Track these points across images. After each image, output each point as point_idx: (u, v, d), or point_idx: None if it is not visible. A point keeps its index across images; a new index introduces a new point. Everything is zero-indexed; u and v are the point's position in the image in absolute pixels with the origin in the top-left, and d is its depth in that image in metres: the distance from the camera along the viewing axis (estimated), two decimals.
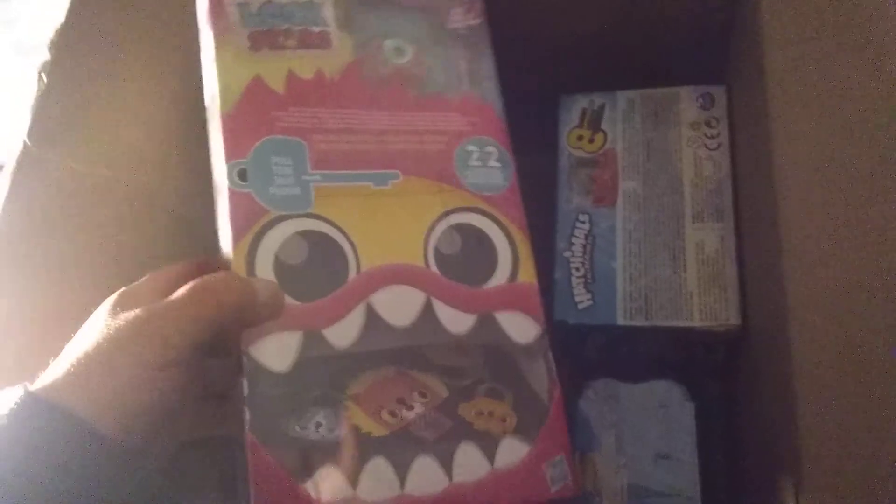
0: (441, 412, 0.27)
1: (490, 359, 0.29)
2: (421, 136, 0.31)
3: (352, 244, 0.28)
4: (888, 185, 0.27)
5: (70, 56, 0.37)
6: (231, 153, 0.28)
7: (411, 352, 0.28)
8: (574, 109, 0.40)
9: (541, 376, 0.29)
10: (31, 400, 0.21)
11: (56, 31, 0.38)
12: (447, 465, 0.27)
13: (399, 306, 0.28)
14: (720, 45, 0.39)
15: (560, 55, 0.41)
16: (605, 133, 0.39)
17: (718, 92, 0.38)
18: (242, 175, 0.28)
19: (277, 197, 0.28)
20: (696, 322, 0.34)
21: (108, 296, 0.26)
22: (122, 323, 0.23)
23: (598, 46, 0.40)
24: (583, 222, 0.37)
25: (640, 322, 0.35)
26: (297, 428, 0.26)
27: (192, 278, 0.25)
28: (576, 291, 0.36)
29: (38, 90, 0.36)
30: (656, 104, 0.39)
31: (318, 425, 0.26)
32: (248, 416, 0.25)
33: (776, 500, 0.29)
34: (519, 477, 0.27)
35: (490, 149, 0.32)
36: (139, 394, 0.22)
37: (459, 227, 0.30)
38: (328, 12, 0.31)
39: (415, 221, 0.30)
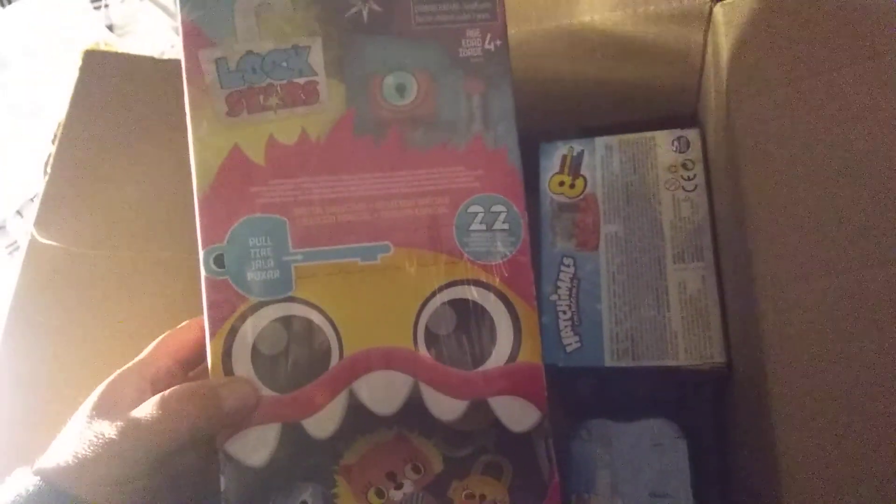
0: (431, 493, 0.27)
1: (502, 438, 0.27)
2: (417, 199, 0.28)
3: (335, 328, 0.27)
4: (853, 227, 0.28)
5: (71, 149, 0.41)
6: (207, 238, 0.27)
7: (428, 419, 0.27)
8: (554, 156, 0.41)
9: (537, 465, 0.28)
10: (46, 487, 0.23)
11: (59, 125, 0.40)
12: None
13: (384, 393, 0.27)
14: (693, 90, 0.40)
15: (540, 104, 0.42)
16: (585, 178, 0.40)
17: (693, 135, 0.39)
18: (219, 261, 0.27)
19: (256, 282, 0.27)
20: (682, 361, 0.35)
21: (109, 368, 0.28)
22: (94, 438, 0.24)
23: (576, 96, 0.42)
24: (567, 266, 0.38)
25: (627, 363, 0.36)
26: None
27: (172, 373, 0.27)
28: (563, 335, 0.37)
29: (44, 183, 0.39)
30: (633, 149, 0.40)
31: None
32: None
33: None
34: None
35: (498, 208, 0.29)
36: (108, 500, 0.24)
37: (455, 303, 0.28)
38: (316, 58, 0.28)
39: (405, 299, 0.27)
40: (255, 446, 0.26)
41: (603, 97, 0.42)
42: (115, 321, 0.37)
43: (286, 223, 0.27)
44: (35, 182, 0.65)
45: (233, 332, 0.27)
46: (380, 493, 0.27)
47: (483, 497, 0.27)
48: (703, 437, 0.41)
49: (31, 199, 0.63)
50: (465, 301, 0.28)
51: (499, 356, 0.28)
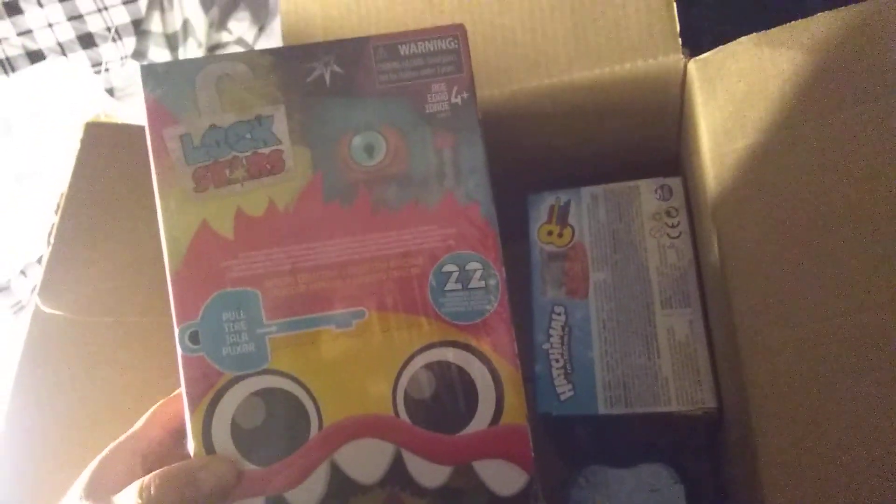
0: None
1: (486, 492, 0.27)
2: (390, 261, 0.28)
3: (313, 398, 0.27)
4: (831, 273, 0.29)
5: (73, 219, 0.42)
6: (181, 316, 0.27)
7: (412, 486, 0.27)
8: (542, 207, 0.42)
9: None
10: None
11: (62, 196, 0.42)
12: None
13: (366, 461, 0.27)
14: (673, 140, 0.42)
15: (526, 157, 0.43)
16: (572, 227, 0.41)
17: (675, 183, 0.40)
18: (194, 338, 0.27)
19: (231, 357, 0.27)
20: (674, 407, 0.35)
21: (113, 436, 0.28)
22: None
23: (561, 148, 0.43)
24: (559, 314, 0.39)
25: (620, 410, 0.36)
26: None
27: (164, 445, 0.27)
28: (557, 383, 0.38)
29: (47, 252, 0.40)
30: (618, 197, 0.41)
31: None
32: None
33: None
34: None
35: (473, 265, 0.28)
36: None
37: (434, 366, 0.28)
38: (280, 126, 0.28)
39: (382, 365, 0.28)
40: None
41: (588, 149, 0.43)
42: (120, 388, 0.38)
43: (258, 295, 0.28)
44: (38, 242, 0.66)
45: (211, 407, 0.27)
46: None
47: None
48: (699, 480, 0.41)
49: (37, 261, 0.65)
50: (444, 364, 0.28)
51: (482, 419, 0.28)
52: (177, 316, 0.28)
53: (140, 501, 0.25)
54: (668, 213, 0.40)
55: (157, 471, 0.26)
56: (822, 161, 0.30)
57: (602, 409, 0.36)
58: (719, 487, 0.41)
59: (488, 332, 0.28)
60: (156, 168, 0.28)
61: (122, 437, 0.28)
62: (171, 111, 0.28)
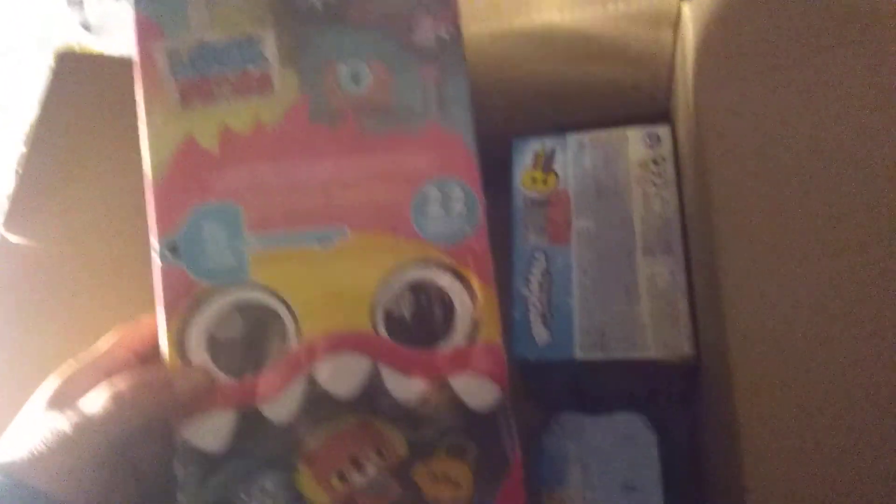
0: (394, 475, 0.27)
1: (464, 418, 0.28)
2: (373, 182, 0.28)
3: (292, 312, 0.27)
4: (819, 217, 0.28)
5: (42, 150, 0.41)
6: (162, 227, 0.27)
7: (379, 399, 0.27)
8: (527, 152, 0.41)
9: (500, 442, 0.28)
10: (4, 480, 0.23)
11: (31, 126, 0.41)
12: None
13: (343, 376, 0.27)
14: (664, 87, 0.41)
15: (512, 101, 0.42)
16: (556, 174, 0.40)
17: (664, 131, 0.40)
18: (174, 250, 0.27)
19: (211, 269, 0.27)
20: (651, 354, 0.35)
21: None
22: (48, 433, 0.24)
23: (548, 93, 0.42)
24: (539, 260, 0.38)
25: (597, 356, 0.36)
26: (242, 496, 0.26)
27: (130, 365, 0.27)
28: (534, 329, 0.37)
29: (14, 183, 0.39)
30: (605, 145, 0.40)
31: (263, 490, 0.26)
32: (181, 499, 0.26)
33: None
34: None
35: (454, 191, 0.29)
36: (66, 491, 0.24)
37: (413, 285, 0.28)
38: (269, 48, 0.28)
39: (362, 283, 0.27)
40: (212, 432, 0.26)
41: (575, 95, 0.42)
42: (84, 315, 0.37)
43: (240, 210, 0.27)
44: (4, 180, 0.65)
45: (188, 318, 0.27)
46: (342, 477, 0.26)
47: (447, 478, 0.27)
48: (674, 430, 0.42)
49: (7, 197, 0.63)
50: (423, 282, 0.28)
51: (458, 336, 0.28)
52: (157, 227, 0.27)
53: (114, 405, 0.24)
54: (656, 162, 0.39)
55: (132, 376, 0.25)
56: (811, 103, 0.30)
57: (579, 355, 0.36)
58: (694, 438, 0.41)
59: (467, 254, 0.28)
60: (143, 81, 0.28)
61: (83, 355, 0.27)
62: (160, 26, 0.28)
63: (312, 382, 0.27)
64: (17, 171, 0.41)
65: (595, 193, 0.39)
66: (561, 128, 0.41)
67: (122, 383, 0.25)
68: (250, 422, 0.26)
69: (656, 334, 0.36)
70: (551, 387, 0.40)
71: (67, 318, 0.38)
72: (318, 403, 0.27)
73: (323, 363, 0.27)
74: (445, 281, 0.28)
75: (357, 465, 0.27)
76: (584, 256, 0.38)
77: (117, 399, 0.24)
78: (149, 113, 0.28)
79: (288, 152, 0.28)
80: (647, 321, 0.36)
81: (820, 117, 0.29)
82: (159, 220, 0.27)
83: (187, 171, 0.27)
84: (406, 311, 0.28)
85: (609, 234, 0.38)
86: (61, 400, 0.26)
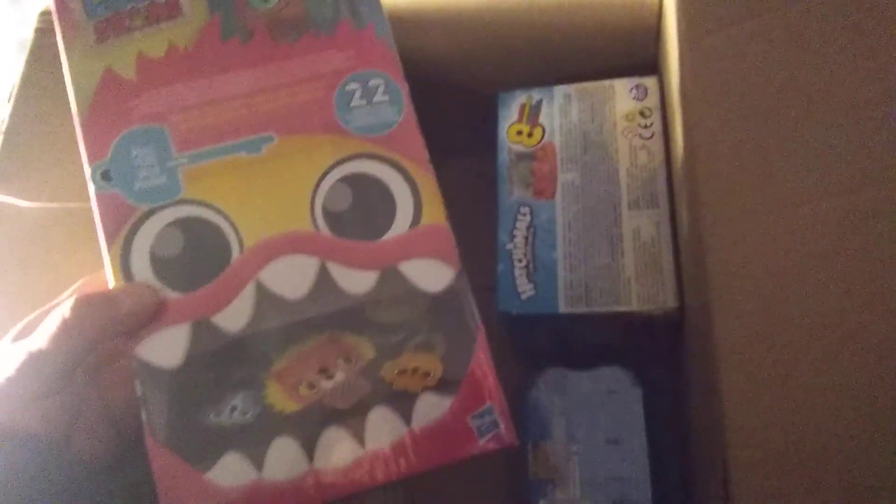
0: (362, 376, 0.27)
1: (425, 307, 0.27)
2: (293, 87, 0.29)
3: (231, 222, 0.27)
4: (803, 161, 0.28)
5: (25, 108, 0.41)
6: (91, 155, 0.28)
7: (342, 315, 0.27)
8: (513, 105, 0.40)
9: (463, 321, 0.27)
10: None
11: (14, 86, 0.41)
12: (359, 433, 0.26)
13: (291, 278, 0.27)
14: (652, 38, 0.40)
15: (498, 53, 0.42)
16: (543, 127, 0.39)
17: (651, 83, 0.39)
18: (106, 175, 0.28)
19: (144, 190, 0.27)
20: (635, 307, 0.35)
21: None
22: (5, 365, 0.25)
23: (535, 44, 0.41)
24: (524, 214, 0.38)
25: (580, 309, 0.36)
26: (211, 416, 0.26)
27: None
28: (518, 282, 0.37)
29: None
30: (592, 97, 0.39)
31: (234, 409, 0.26)
32: (143, 416, 0.26)
33: (715, 481, 0.30)
34: (440, 434, 0.26)
35: (375, 81, 0.29)
36: (29, 420, 0.24)
37: (349, 179, 0.28)
38: None
39: (296, 184, 0.28)
40: (167, 347, 0.26)
41: (563, 46, 0.41)
42: (64, 272, 0.37)
43: (166, 129, 0.28)
44: None
45: (128, 241, 0.27)
46: (311, 386, 0.27)
47: (416, 370, 0.27)
48: (659, 384, 0.42)
49: None
50: (357, 175, 0.28)
51: (401, 222, 0.28)
52: (87, 156, 0.28)
53: (59, 326, 0.24)
54: (642, 114, 0.38)
55: (69, 299, 0.25)
56: (794, 47, 0.29)
57: (563, 309, 0.36)
58: (678, 392, 0.41)
59: (398, 141, 0.29)
60: (60, 27, 0.29)
61: (48, 305, 0.27)
62: None
63: (261, 287, 0.27)
64: (0, 131, 0.41)
65: (581, 146, 0.39)
66: (549, 82, 0.41)
67: (66, 304, 0.25)
68: (204, 333, 0.26)
69: (640, 287, 0.35)
70: (536, 341, 0.40)
71: (53, 275, 0.38)
72: (270, 307, 0.27)
73: (269, 267, 0.27)
74: (379, 170, 0.28)
75: (326, 374, 0.27)
76: (569, 210, 0.37)
77: (61, 321, 0.24)
78: (69, 54, 0.29)
79: (204, 70, 0.29)
80: (631, 274, 0.36)
81: (802, 61, 0.29)
82: (89, 150, 0.28)
83: (109, 100, 0.28)
84: (345, 205, 0.28)
85: (594, 188, 0.38)
86: (20, 338, 0.26)
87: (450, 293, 0.28)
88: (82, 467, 0.25)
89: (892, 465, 0.23)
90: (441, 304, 0.27)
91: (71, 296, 0.28)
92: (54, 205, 0.39)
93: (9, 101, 0.42)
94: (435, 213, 0.28)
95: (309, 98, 0.28)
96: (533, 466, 0.38)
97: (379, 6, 0.30)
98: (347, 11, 0.29)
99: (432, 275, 0.28)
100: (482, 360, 0.27)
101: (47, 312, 0.26)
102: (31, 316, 0.28)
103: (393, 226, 0.28)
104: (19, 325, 0.27)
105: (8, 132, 0.41)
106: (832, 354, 0.25)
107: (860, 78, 0.27)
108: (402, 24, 0.40)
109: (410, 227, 0.28)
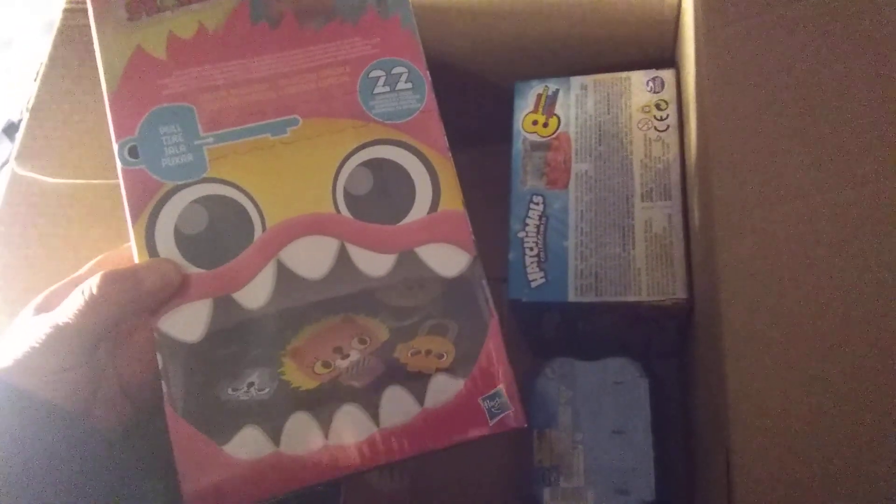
0: (377, 356, 0.27)
1: (439, 291, 0.28)
2: (319, 72, 0.29)
3: (254, 202, 0.28)
4: (815, 153, 0.28)
5: (51, 86, 0.41)
6: (119, 131, 0.28)
7: (357, 297, 0.28)
8: (529, 95, 0.41)
9: (476, 306, 0.28)
10: None
11: (42, 65, 0.42)
12: (373, 411, 0.27)
13: (311, 258, 0.28)
14: (671, 31, 0.40)
15: (516, 43, 0.42)
16: (558, 117, 0.40)
17: (668, 75, 0.39)
18: (133, 152, 0.28)
19: (171, 168, 0.28)
20: (644, 297, 0.35)
21: None
22: (29, 336, 0.25)
23: (553, 35, 0.41)
24: (536, 204, 0.38)
25: (590, 298, 0.36)
26: (229, 391, 0.26)
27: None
28: (529, 270, 0.37)
29: (25, 118, 0.40)
30: (608, 88, 0.40)
31: (251, 385, 0.27)
32: (164, 388, 0.26)
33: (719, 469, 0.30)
34: (452, 414, 0.27)
35: (399, 69, 0.30)
36: (53, 391, 0.25)
37: (370, 164, 0.29)
38: None
39: (319, 166, 0.28)
40: (189, 322, 0.27)
41: (581, 37, 0.41)
42: (87, 245, 0.38)
43: (193, 109, 0.29)
44: (7, 110, 0.66)
45: (153, 217, 0.27)
46: (326, 365, 0.27)
47: (429, 352, 0.28)
48: (665, 377, 0.42)
49: (4, 129, 0.65)
50: (379, 160, 0.29)
51: (420, 208, 0.28)
52: (115, 132, 0.28)
53: (84, 301, 0.25)
54: (658, 106, 0.38)
55: (99, 272, 0.26)
56: (811, 41, 0.29)
57: (572, 297, 0.36)
58: (685, 384, 0.41)
59: (419, 128, 0.29)
60: (92, 3, 0.29)
61: (68, 278, 0.28)
62: None
63: (282, 267, 0.27)
64: (27, 108, 0.42)
65: (596, 137, 0.39)
66: (566, 72, 0.41)
67: (91, 281, 0.26)
68: (225, 309, 0.27)
69: (650, 278, 0.35)
70: (545, 329, 0.41)
71: (74, 250, 0.39)
72: (290, 285, 0.27)
73: (290, 247, 0.27)
74: (400, 156, 0.29)
75: (341, 353, 0.27)
76: (582, 200, 0.38)
77: (88, 296, 0.25)
78: (100, 31, 0.29)
79: (233, 52, 0.29)
80: (641, 265, 0.36)
81: (817, 55, 0.29)
82: (117, 126, 0.28)
83: (139, 78, 0.29)
84: (366, 189, 0.28)
85: (608, 178, 0.38)
86: (44, 308, 0.26)
87: (464, 278, 0.28)
88: (100, 437, 0.26)
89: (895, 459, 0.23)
90: (455, 288, 0.28)
91: (91, 270, 0.28)
92: (77, 181, 0.40)
93: (35, 79, 0.43)
94: (453, 199, 0.29)
95: (334, 83, 0.29)
96: (538, 454, 0.39)
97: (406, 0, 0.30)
98: (373, 1, 0.30)
99: (448, 259, 0.28)
100: (494, 345, 0.28)
101: (69, 285, 0.27)
102: (53, 287, 0.28)
103: (412, 210, 0.28)
104: (41, 297, 0.28)
105: (34, 110, 0.42)
106: (838, 345, 0.25)
107: (874, 72, 0.27)
108: (421, 14, 0.40)
109: (429, 212, 0.28)
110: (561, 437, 0.39)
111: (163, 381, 0.26)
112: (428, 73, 0.30)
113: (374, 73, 0.29)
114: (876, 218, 0.25)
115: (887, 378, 0.24)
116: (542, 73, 0.41)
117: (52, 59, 0.43)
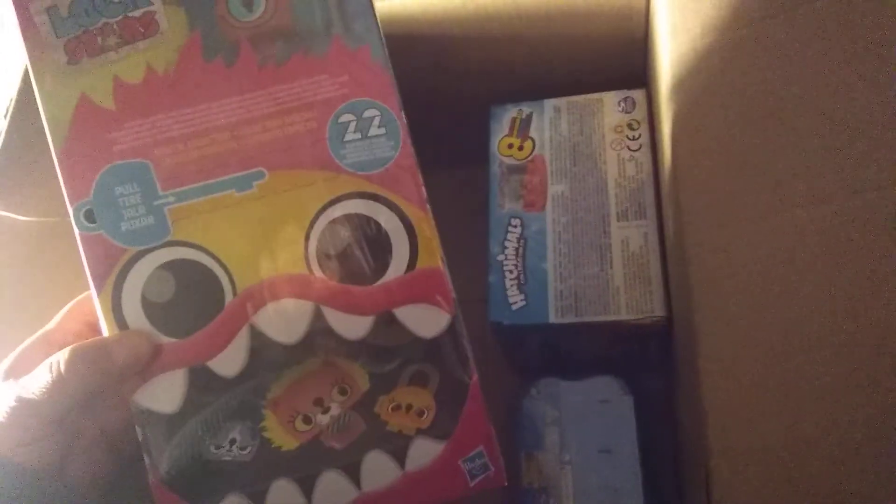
0: (357, 411, 0.27)
1: (421, 349, 0.27)
2: (284, 117, 0.27)
3: (223, 265, 0.26)
4: (779, 170, 0.28)
5: (21, 123, 0.41)
6: (73, 194, 0.26)
7: (338, 339, 0.27)
8: (504, 119, 0.41)
9: (455, 368, 0.27)
10: None
11: (11, 101, 0.41)
12: (354, 475, 0.26)
13: (286, 322, 0.26)
14: (641, 51, 0.41)
15: (490, 67, 0.42)
16: (533, 140, 0.40)
17: (639, 95, 0.40)
18: (90, 216, 0.26)
19: (131, 232, 0.26)
20: (624, 316, 0.35)
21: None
22: (1, 402, 0.25)
23: (525, 58, 0.42)
24: (514, 226, 0.39)
25: (571, 319, 0.36)
26: (212, 449, 0.26)
27: (83, 337, 0.27)
28: (509, 293, 0.37)
29: None
30: (581, 110, 0.40)
31: (233, 442, 0.26)
32: (147, 459, 0.26)
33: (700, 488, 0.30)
34: (433, 477, 0.27)
35: (370, 112, 0.27)
36: (21, 457, 0.24)
37: (343, 220, 0.27)
38: None
39: (290, 224, 0.27)
40: (165, 393, 0.26)
41: (553, 60, 0.42)
42: (62, 285, 0.37)
43: (150, 165, 0.26)
44: None
45: (118, 285, 0.26)
46: (307, 420, 0.27)
47: (409, 407, 0.27)
48: (650, 393, 0.42)
49: None
50: (353, 216, 0.27)
51: (397, 266, 0.27)
52: (68, 195, 0.26)
53: (50, 376, 0.24)
54: (630, 126, 0.39)
55: (68, 347, 0.25)
56: (775, 60, 0.30)
57: (553, 319, 0.36)
58: (669, 400, 0.42)
59: (394, 180, 0.27)
60: (27, 46, 0.27)
61: (39, 332, 0.28)
62: None
63: (256, 332, 0.26)
64: None
65: (571, 158, 0.39)
66: (540, 93, 0.41)
67: (60, 356, 0.25)
68: (201, 379, 0.26)
69: (629, 297, 0.36)
70: (528, 351, 0.41)
71: (51, 289, 0.38)
72: (265, 352, 0.26)
73: (263, 312, 0.26)
74: (375, 211, 0.27)
75: (320, 405, 0.27)
76: (559, 221, 0.38)
77: (55, 372, 0.25)
78: (38, 79, 0.27)
79: (187, 98, 0.27)
80: (620, 284, 0.36)
81: (785, 72, 0.29)
82: (69, 188, 0.26)
83: (88, 132, 0.26)
84: (340, 248, 0.27)
85: (583, 199, 0.38)
86: (12, 374, 0.26)
87: (444, 338, 0.27)
88: (77, 492, 0.26)
89: (872, 473, 0.23)
90: (436, 346, 0.27)
91: (61, 323, 0.28)
92: (51, 219, 0.39)
93: (5, 116, 0.43)
94: (431, 256, 0.27)
95: (301, 129, 0.27)
96: (526, 476, 0.38)
97: (375, 24, 0.28)
98: (340, 28, 0.27)
99: (427, 321, 0.27)
100: (475, 405, 0.27)
101: (41, 343, 0.27)
102: (24, 345, 0.27)
103: (389, 270, 0.27)
104: (11, 357, 0.27)
105: (4, 147, 0.41)
106: (813, 362, 0.25)
107: (841, 88, 0.28)
108: (395, 38, 0.40)
109: (406, 270, 0.27)
110: (549, 458, 0.39)
111: (144, 453, 0.26)
112: (402, 114, 0.28)
113: (343, 118, 0.27)
114: (843, 234, 0.26)
115: (862, 395, 0.24)
116: (516, 95, 0.42)
117: (21, 94, 0.42)
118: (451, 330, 0.27)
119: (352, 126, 0.27)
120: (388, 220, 0.27)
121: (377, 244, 0.27)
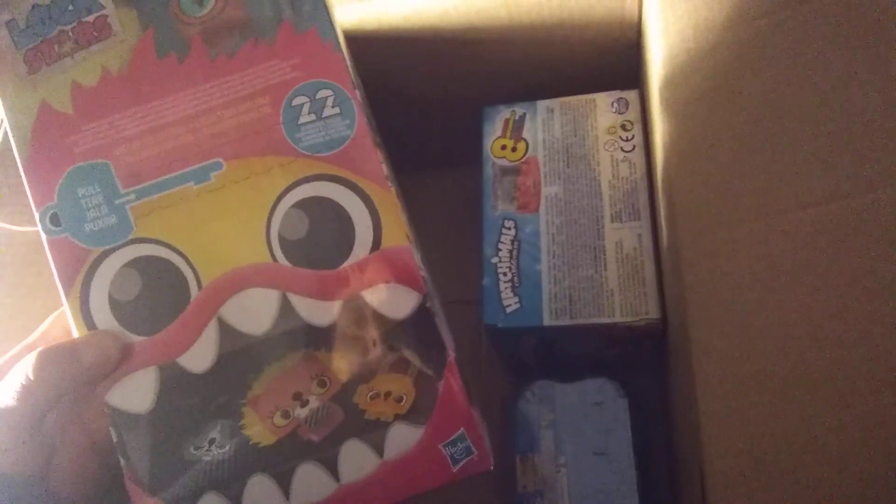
0: (336, 402, 0.27)
1: (396, 331, 0.27)
2: (237, 106, 0.27)
3: (186, 259, 0.26)
4: (774, 172, 0.28)
5: (14, 135, 0.40)
6: (38, 199, 0.27)
7: (316, 332, 0.26)
8: (497, 120, 0.41)
9: (431, 346, 0.27)
10: None
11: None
12: (332, 467, 0.26)
13: (253, 313, 0.26)
14: (633, 51, 0.41)
15: (482, 68, 0.42)
16: (526, 141, 0.40)
17: (632, 96, 0.39)
18: (55, 220, 0.27)
19: (95, 232, 0.26)
20: (618, 318, 0.35)
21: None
22: None
23: (518, 59, 0.42)
24: (508, 228, 0.38)
25: (565, 321, 0.36)
26: (192, 449, 0.26)
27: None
28: (504, 296, 0.37)
29: None
30: (574, 111, 0.40)
31: (212, 441, 0.26)
32: (122, 461, 0.26)
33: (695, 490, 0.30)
34: (414, 464, 0.26)
35: (323, 93, 0.27)
36: (14, 466, 0.24)
37: (303, 204, 0.27)
38: None
39: (250, 213, 0.26)
40: (136, 392, 0.26)
41: (546, 61, 0.42)
42: (54, 294, 0.37)
43: (109, 165, 0.27)
44: None
45: (85, 286, 0.26)
46: (285, 415, 0.26)
47: (388, 394, 0.27)
48: (645, 395, 0.42)
49: None
50: (312, 199, 0.27)
51: (361, 247, 0.27)
52: (34, 200, 0.27)
53: (20, 382, 0.24)
54: (624, 127, 0.39)
55: (35, 350, 0.25)
56: (767, 61, 0.29)
57: (547, 321, 0.36)
58: (664, 402, 0.42)
59: (352, 159, 0.27)
60: None
61: (22, 343, 0.28)
62: None
63: (224, 325, 0.26)
64: None
65: (564, 160, 0.39)
66: (533, 94, 0.41)
67: (28, 360, 0.25)
68: (172, 376, 0.26)
69: (623, 299, 0.36)
70: (522, 353, 0.41)
71: (44, 299, 0.38)
72: (235, 344, 0.26)
73: (229, 304, 0.26)
74: (335, 192, 0.27)
75: (300, 399, 0.26)
76: (553, 223, 0.38)
77: (24, 380, 0.24)
78: (2, 92, 0.27)
79: (142, 95, 0.27)
80: (614, 286, 0.36)
81: (776, 73, 0.29)
82: (35, 193, 0.27)
83: (49, 137, 0.27)
84: (302, 233, 0.26)
85: (577, 201, 0.38)
86: None
87: (417, 317, 0.27)
88: (64, 500, 0.25)
89: (865, 473, 0.23)
90: (409, 328, 0.27)
91: (45, 333, 0.28)
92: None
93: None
94: (397, 234, 0.27)
95: (255, 116, 0.27)
96: (522, 479, 0.38)
97: (323, 4, 0.28)
98: (289, 12, 0.27)
99: (397, 301, 0.27)
100: (453, 385, 0.27)
101: (20, 355, 0.26)
102: (8, 354, 0.27)
103: (353, 252, 0.26)
104: None
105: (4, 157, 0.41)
106: (805, 364, 0.25)
107: (833, 89, 0.28)
108: (388, 40, 0.40)
109: (371, 250, 0.27)
110: (544, 460, 0.38)
111: (119, 455, 0.26)
112: (357, 91, 0.28)
113: (297, 101, 0.27)
114: (837, 236, 0.26)
115: (855, 396, 0.24)
116: (509, 97, 0.41)
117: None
118: (423, 309, 0.27)
119: (305, 108, 0.27)
120: (348, 201, 0.27)
121: (340, 227, 0.27)
